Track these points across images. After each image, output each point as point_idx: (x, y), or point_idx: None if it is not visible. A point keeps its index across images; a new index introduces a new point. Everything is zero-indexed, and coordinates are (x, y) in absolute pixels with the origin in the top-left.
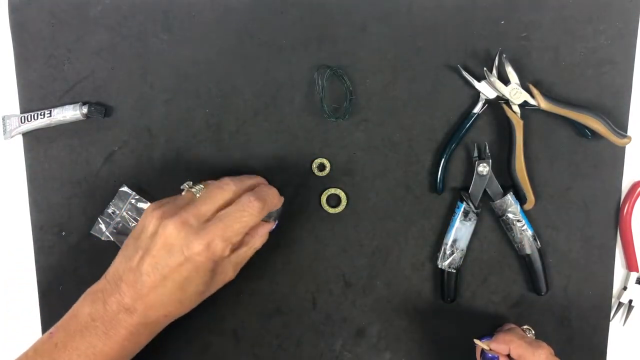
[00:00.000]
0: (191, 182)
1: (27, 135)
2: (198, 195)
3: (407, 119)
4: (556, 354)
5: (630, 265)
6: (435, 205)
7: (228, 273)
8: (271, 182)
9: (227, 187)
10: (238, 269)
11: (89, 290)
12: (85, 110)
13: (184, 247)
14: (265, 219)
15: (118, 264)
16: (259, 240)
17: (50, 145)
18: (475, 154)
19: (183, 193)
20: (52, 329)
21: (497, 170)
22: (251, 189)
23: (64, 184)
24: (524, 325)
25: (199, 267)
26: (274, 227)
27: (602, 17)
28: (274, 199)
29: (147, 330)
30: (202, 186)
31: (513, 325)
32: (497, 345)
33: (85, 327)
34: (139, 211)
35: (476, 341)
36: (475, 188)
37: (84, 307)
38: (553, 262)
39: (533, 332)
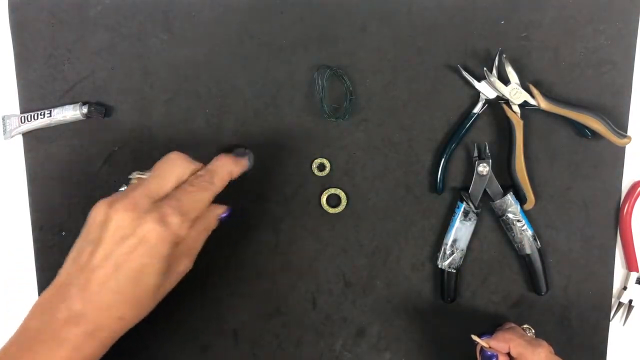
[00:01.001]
0: (138, 172)
1: (27, 135)
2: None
3: (407, 119)
4: (556, 354)
5: (630, 265)
6: (435, 205)
7: (183, 262)
8: (271, 182)
9: (175, 162)
10: (193, 256)
11: (38, 300)
12: (85, 110)
13: (137, 228)
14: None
15: (67, 267)
16: (209, 220)
17: (50, 145)
18: (475, 154)
19: (133, 181)
20: (9, 339)
21: (497, 170)
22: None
23: (64, 184)
24: (524, 324)
25: (153, 249)
26: (225, 213)
27: (602, 17)
28: (226, 168)
29: (97, 340)
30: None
31: (513, 325)
32: (496, 343)
33: (35, 342)
34: None
35: (475, 338)
36: (475, 188)
37: (32, 320)
38: (553, 262)
39: (533, 331)
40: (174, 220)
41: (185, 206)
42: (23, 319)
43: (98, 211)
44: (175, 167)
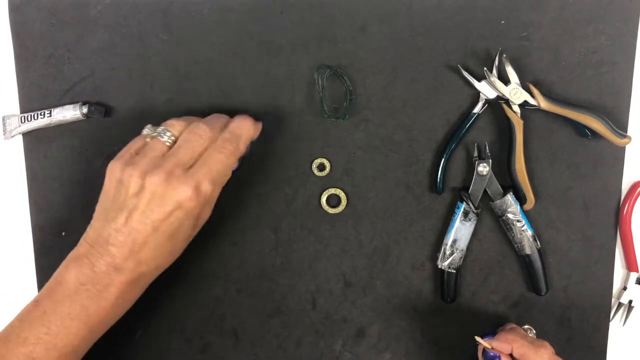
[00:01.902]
0: (151, 125)
1: (27, 135)
2: (168, 142)
3: (407, 119)
4: (556, 354)
5: (630, 265)
6: (435, 205)
7: (206, 211)
8: (271, 182)
9: (203, 134)
10: (213, 204)
11: (71, 256)
12: (85, 110)
13: (174, 195)
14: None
15: (100, 229)
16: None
17: (50, 145)
18: (475, 154)
19: (148, 139)
20: (36, 298)
21: (497, 170)
22: (223, 126)
23: (64, 184)
24: (525, 325)
25: (189, 212)
26: (236, 166)
27: (602, 17)
28: (249, 132)
29: (138, 285)
30: (163, 128)
31: (514, 325)
32: (499, 344)
33: (75, 292)
34: None
35: (478, 339)
36: (475, 188)
37: (69, 273)
38: (553, 262)
39: (534, 331)
40: (207, 187)
41: (216, 173)
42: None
43: (128, 180)
44: (203, 140)
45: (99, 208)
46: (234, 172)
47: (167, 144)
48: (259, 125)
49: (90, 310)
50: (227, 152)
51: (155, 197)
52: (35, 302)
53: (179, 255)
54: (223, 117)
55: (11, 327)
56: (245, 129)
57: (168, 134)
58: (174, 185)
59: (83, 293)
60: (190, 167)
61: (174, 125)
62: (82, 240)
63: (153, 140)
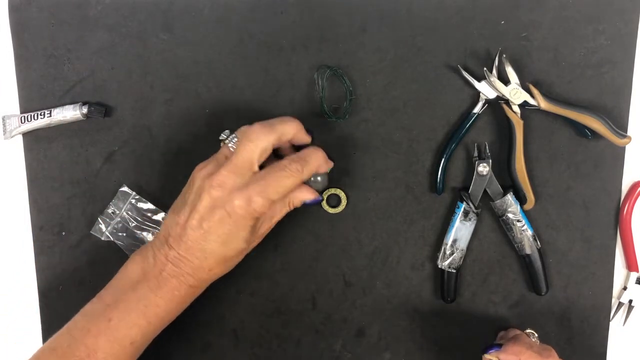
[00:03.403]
0: (228, 131)
1: (27, 135)
2: (232, 148)
3: (407, 119)
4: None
5: (630, 265)
6: (435, 205)
7: (264, 226)
8: None
9: (257, 140)
10: (273, 222)
11: (137, 251)
12: (85, 110)
13: (226, 203)
14: (312, 183)
15: (167, 222)
16: (294, 200)
17: (50, 145)
18: (475, 154)
19: (222, 144)
20: (99, 293)
21: (497, 170)
22: (287, 137)
23: (64, 184)
24: (527, 329)
25: (239, 221)
26: (314, 199)
27: (602, 17)
28: (317, 161)
29: (190, 286)
30: (234, 136)
31: (518, 332)
32: (506, 356)
33: (138, 282)
34: (139, 211)
35: (485, 356)
36: (475, 188)
37: (134, 264)
38: (553, 262)
39: (536, 335)
40: (259, 202)
41: (271, 190)
42: (70, 319)
43: (196, 178)
44: (259, 143)
45: (172, 205)
46: (306, 205)
47: (232, 149)
48: (330, 163)
49: (149, 301)
50: (289, 172)
51: (211, 200)
52: (99, 297)
53: (234, 265)
54: (287, 122)
55: (74, 322)
56: (314, 157)
57: (235, 140)
58: (228, 193)
59: (144, 282)
60: (250, 173)
61: (242, 130)
62: (154, 237)
63: (223, 146)
